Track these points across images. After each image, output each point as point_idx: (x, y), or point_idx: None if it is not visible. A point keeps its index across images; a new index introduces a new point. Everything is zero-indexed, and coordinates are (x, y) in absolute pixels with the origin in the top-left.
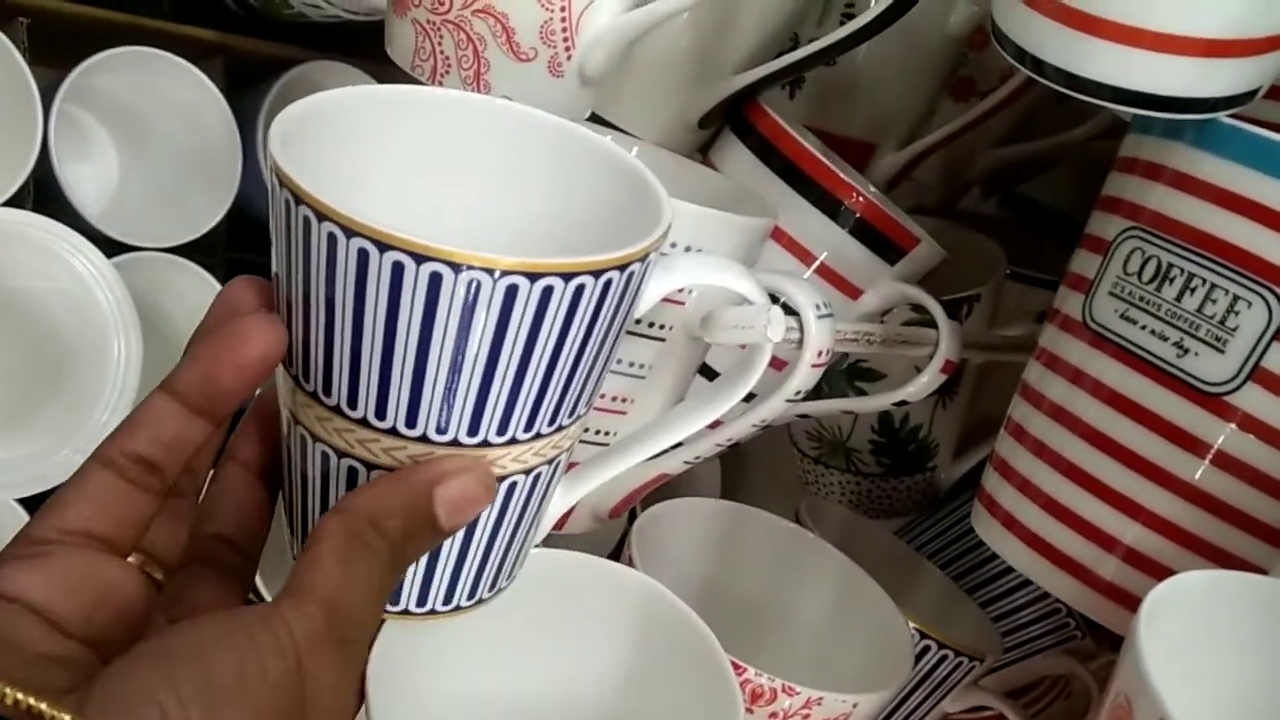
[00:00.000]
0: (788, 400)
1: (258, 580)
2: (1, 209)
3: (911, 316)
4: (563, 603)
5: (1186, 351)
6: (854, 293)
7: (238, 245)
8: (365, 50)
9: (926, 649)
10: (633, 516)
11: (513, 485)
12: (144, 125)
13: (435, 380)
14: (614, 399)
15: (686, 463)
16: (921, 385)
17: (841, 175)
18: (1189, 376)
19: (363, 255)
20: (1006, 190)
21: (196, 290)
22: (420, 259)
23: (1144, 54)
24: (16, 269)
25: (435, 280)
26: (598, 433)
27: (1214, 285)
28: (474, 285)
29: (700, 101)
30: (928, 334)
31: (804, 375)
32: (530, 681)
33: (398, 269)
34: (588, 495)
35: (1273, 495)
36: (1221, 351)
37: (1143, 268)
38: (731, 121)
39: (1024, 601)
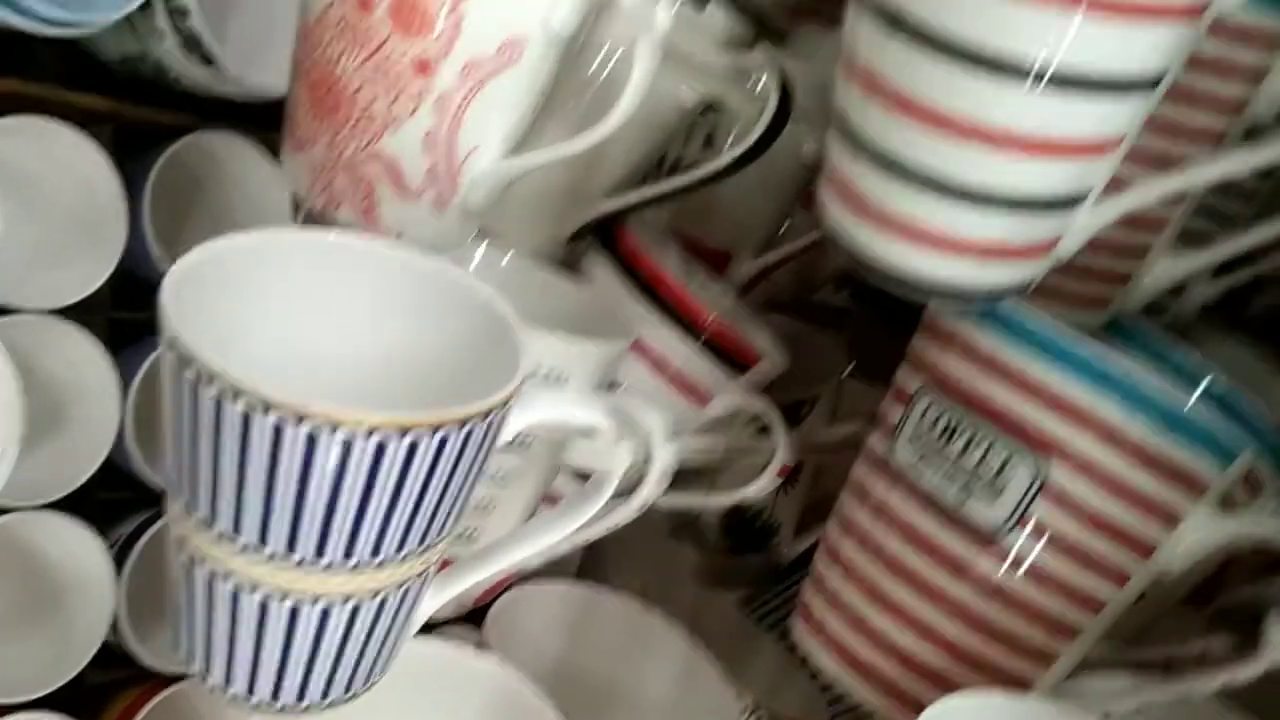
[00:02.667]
0: (639, 511)
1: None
2: None
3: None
4: (418, 689)
5: (968, 498)
6: (703, 400)
7: (120, 305)
8: (256, 120)
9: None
10: None
11: (384, 599)
12: (31, 188)
13: (313, 517)
14: (479, 503)
15: (543, 561)
16: (760, 487)
17: (694, 298)
18: (969, 520)
19: (246, 416)
20: (857, 286)
21: (79, 350)
22: (300, 419)
23: (927, 251)
24: None
25: (312, 438)
26: (464, 532)
27: (990, 445)
28: (347, 442)
29: (572, 222)
30: (765, 444)
31: (650, 491)
32: None
33: (278, 428)
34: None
35: (1039, 624)
36: (995, 501)
37: (935, 422)
38: (601, 238)
39: None
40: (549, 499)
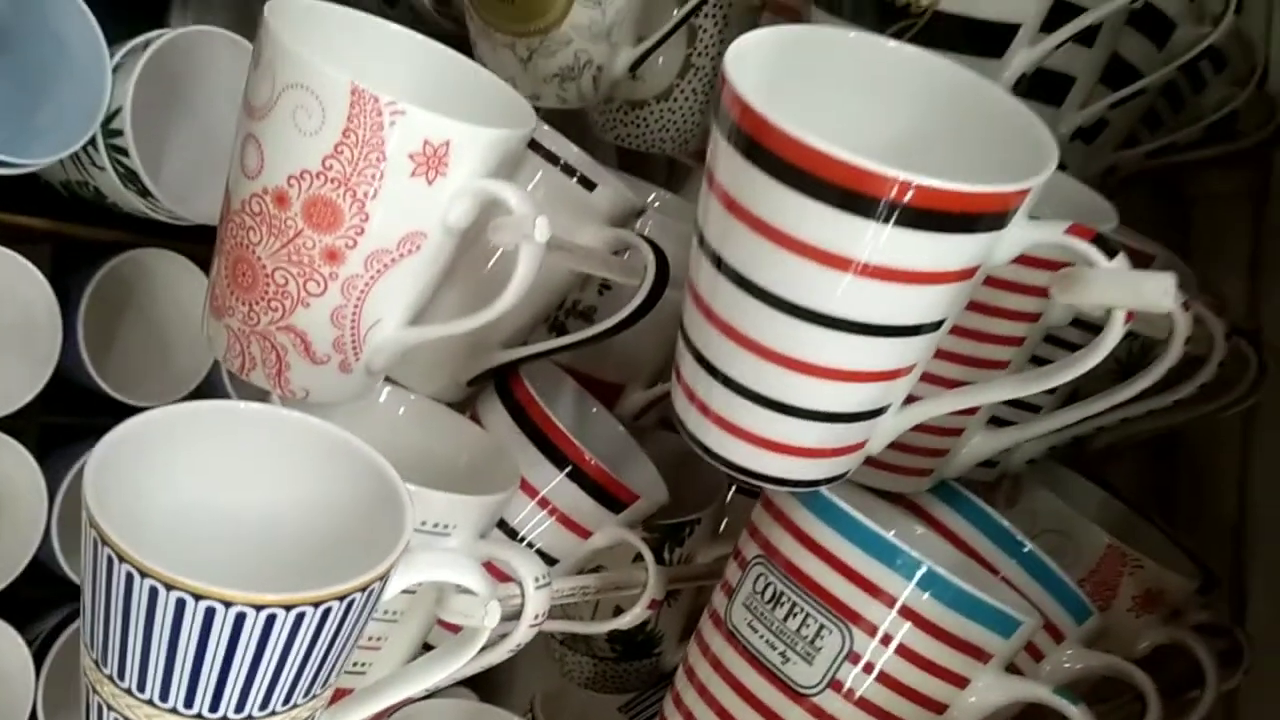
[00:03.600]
0: (513, 651)
1: None
2: None
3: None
4: None
5: (788, 660)
6: (584, 534)
7: (51, 410)
8: (187, 237)
9: None
10: None
11: None
12: None
13: (209, 677)
14: (370, 638)
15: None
16: (633, 617)
17: (576, 445)
18: (788, 679)
19: (153, 590)
20: None
21: (10, 457)
22: (198, 597)
23: (758, 451)
24: None
25: (210, 611)
26: (355, 665)
27: (808, 614)
28: (240, 615)
29: (470, 370)
30: (638, 576)
31: (524, 634)
32: None
33: (180, 603)
34: None
35: None
36: (810, 664)
37: (765, 590)
38: (496, 383)
39: None
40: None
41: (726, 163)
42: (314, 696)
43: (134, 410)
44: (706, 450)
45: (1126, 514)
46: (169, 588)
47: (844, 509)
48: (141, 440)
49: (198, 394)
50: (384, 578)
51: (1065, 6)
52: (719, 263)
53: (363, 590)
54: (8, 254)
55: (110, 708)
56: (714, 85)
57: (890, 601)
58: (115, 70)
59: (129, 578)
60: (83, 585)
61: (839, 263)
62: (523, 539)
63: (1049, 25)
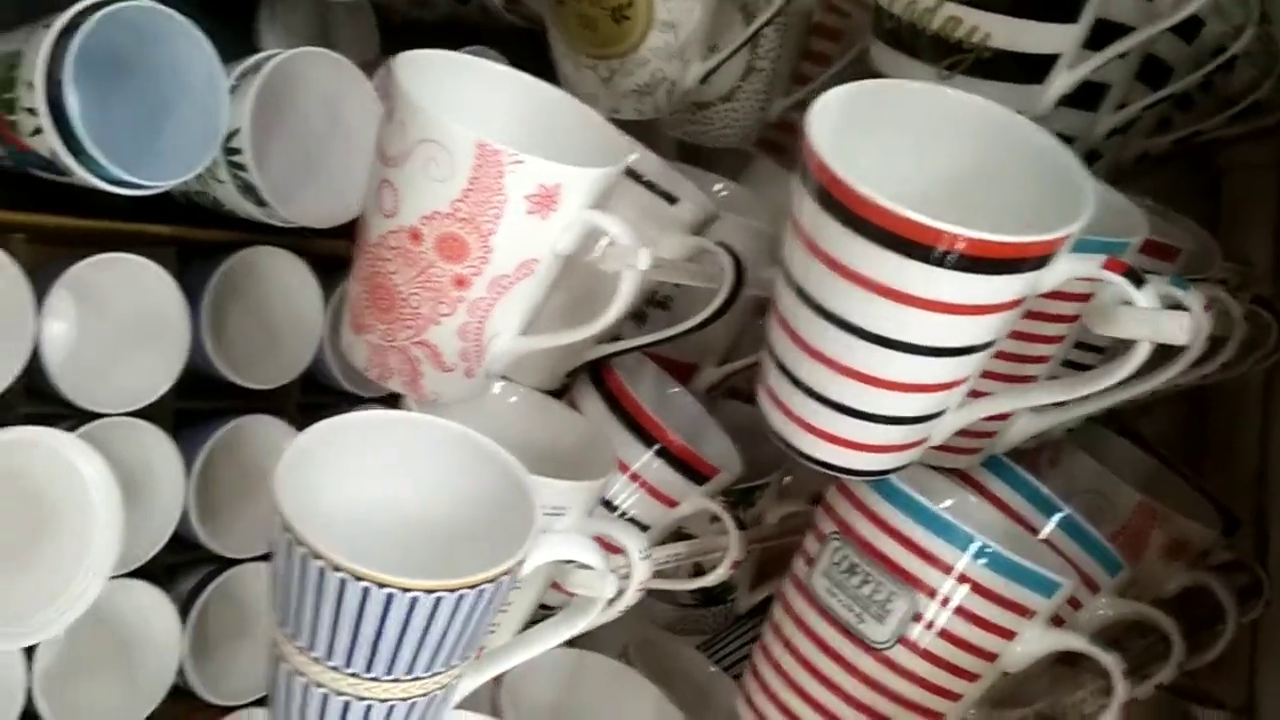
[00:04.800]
0: (619, 613)
1: None
2: (16, 429)
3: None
4: None
5: (863, 620)
6: (671, 504)
7: (180, 397)
8: (291, 234)
9: None
10: None
11: (413, 703)
12: (108, 308)
13: (366, 645)
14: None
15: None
16: (716, 576)
17: (663, 426)
18: (863, 636)
19: (321, 572)
20: None
21: (149, 440)
22: (358, 579)
23: (834, 447)
24: (20, 461)
25: (365, 592)
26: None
27: (880, 582)
28: (389, 596)
29: (568, 364)
30: (720, 541)
31: (630, 598)
32: None
33: (342, 583)
34: None
35: (913, 711)
36: (882, 623)
37: (841, 561)
38: (590, 374)
39: None
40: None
41: (808, 211)
42: (449, 669)
43: (251, 393)
44: (790, 447)
45: (1157, 467)
46: (334, 569)
47: (909, 492)
48: (309, 449)
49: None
50: (514, 569)
51: (1103, 24)
52: (801, 293)
53: (493, 580)
54: (143, 261)
55: (300, 673)
56: (773, 84)
57: (949, 570)
58: (231, 92)
59: (303, 560)
60: (274, 572)
61: (903, 298)
62: (617, 509)
63: (1089, 41)
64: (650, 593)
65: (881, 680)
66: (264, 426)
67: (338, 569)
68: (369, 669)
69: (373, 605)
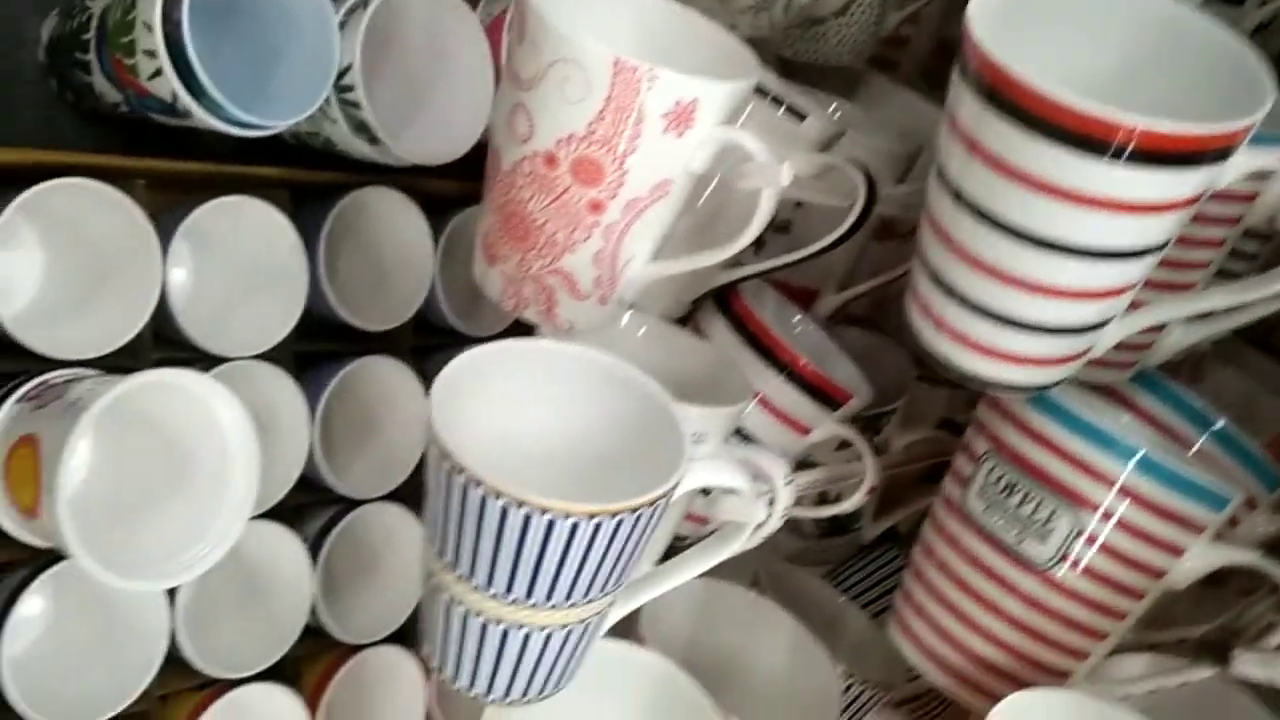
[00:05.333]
0: (762, 538)
1: None
2: (156, 371)
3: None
4: (596, 683)
5: (1023, 540)
6: (803, 431)
7: (302, 339)
8: (398, 173)
9: (850, 687)
10: None
11: (570, 630)
12: (226, 253)
13: (526, 572)
14: None
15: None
16: (852, 503)
17: (794, 350)
18: (1023, 555)
19: (483, 499)
20: None
21: (274, 385)
22: (519, 504)
23: (991, 361)
24: (157, 405)
25: (527, 518)
26: None
27: (1041, 500)
28: (551, 522)
29: (694, 290)
30: (856, 467)
31: (774, 524)
32: None
33: (504, 510)
34: None
35: (1076, 630)
36: (1044, 542)
37: (998, 480)
38: (715, 300)
39: None
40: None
41: (968, 107)
42: (605, 596)
43: (365, 335)
44: (942, 361)
45: None
46: (496, 495)
47: (1069, 406)
48: (459, 377)
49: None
50: (667, 495)
51: None
52: (959, 196)
53: (650, 505)
54: (260, 204)
55: (459, 601)
56: None
57: (1114, 485)
58: (340, 29)
59: (464, 487)
60: (430, 501)
61: (1072, 197)
62: (749, 438)
63: None
64: None
65: (1044, 600)
66: (381, 367)
67: (499, 495)
68: (528, 595)
69: (533, 531)
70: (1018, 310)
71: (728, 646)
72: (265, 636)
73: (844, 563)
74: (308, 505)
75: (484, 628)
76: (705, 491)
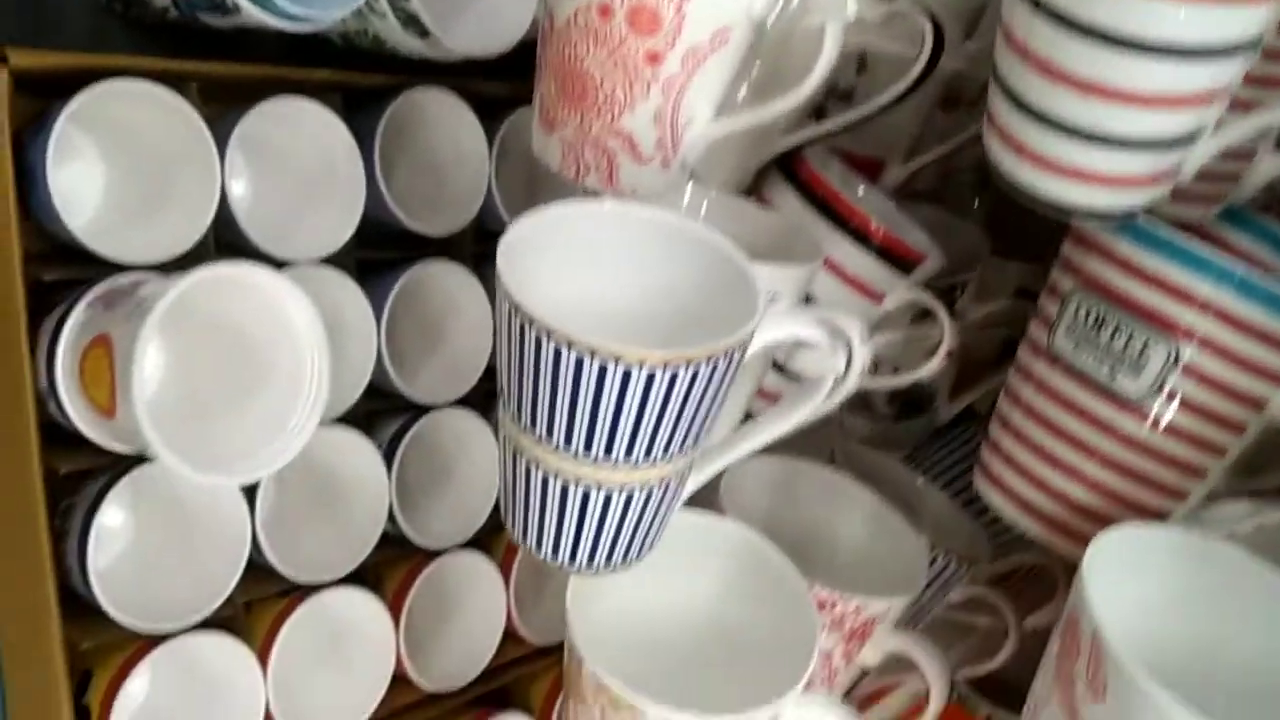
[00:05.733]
0: (840, 399)
1: None
2: (233, 264)
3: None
4: (683, 546)
5: (1115, 375)
6: (877, 298)
7: (362, 246)
8: (451, 73)
9: (935, 559)
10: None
11: (650, 491)
12: (280, 158)
13: (603, 426)
14: None
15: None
16: (931, 367)
17: (864, 213)
18: (1117, 392)
19: (557, 352)
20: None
21: (340, 291)
22: (593, 353)
23: (1074, 184)
24: (228, 304)
25: (602, 368)
26: None
27: (1133, 332)
28: (627, 371)
29: (758, 156)
30: (925, 331)
31: (852, 383)
32: (665, 605)
33: (579, 360)
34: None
35: (1174, 469)
36: (1138, 376)
37: (1086, 316)
38: (781, 168)
39: None
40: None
41: None
42: (685, 454)
43: (425, 241)
44: (1024, 189)
45: None
46: (569, 346)
47: (1158, 231)
48: (527, 237)
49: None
50: (744, 343)
51: None
52: (1037, 4)
53: (725, 354)
54: (314, 106)
55: (538, 463)
56: None
57: (1210, 309)
58: None
59: (537, 340)
60: (503, 362)
61: None
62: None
63: None
64: (847, 408)
65: (1139, 437)
66: (443, 273)
67: (572, 345)
68: (607, 452)
69: (608, 381)
70: (1102, 123)
71: (808, 523)
72: (345, 543)
73: (920, 447)
74: (379, 413)
75: (564, 490)
76: (779, 368)
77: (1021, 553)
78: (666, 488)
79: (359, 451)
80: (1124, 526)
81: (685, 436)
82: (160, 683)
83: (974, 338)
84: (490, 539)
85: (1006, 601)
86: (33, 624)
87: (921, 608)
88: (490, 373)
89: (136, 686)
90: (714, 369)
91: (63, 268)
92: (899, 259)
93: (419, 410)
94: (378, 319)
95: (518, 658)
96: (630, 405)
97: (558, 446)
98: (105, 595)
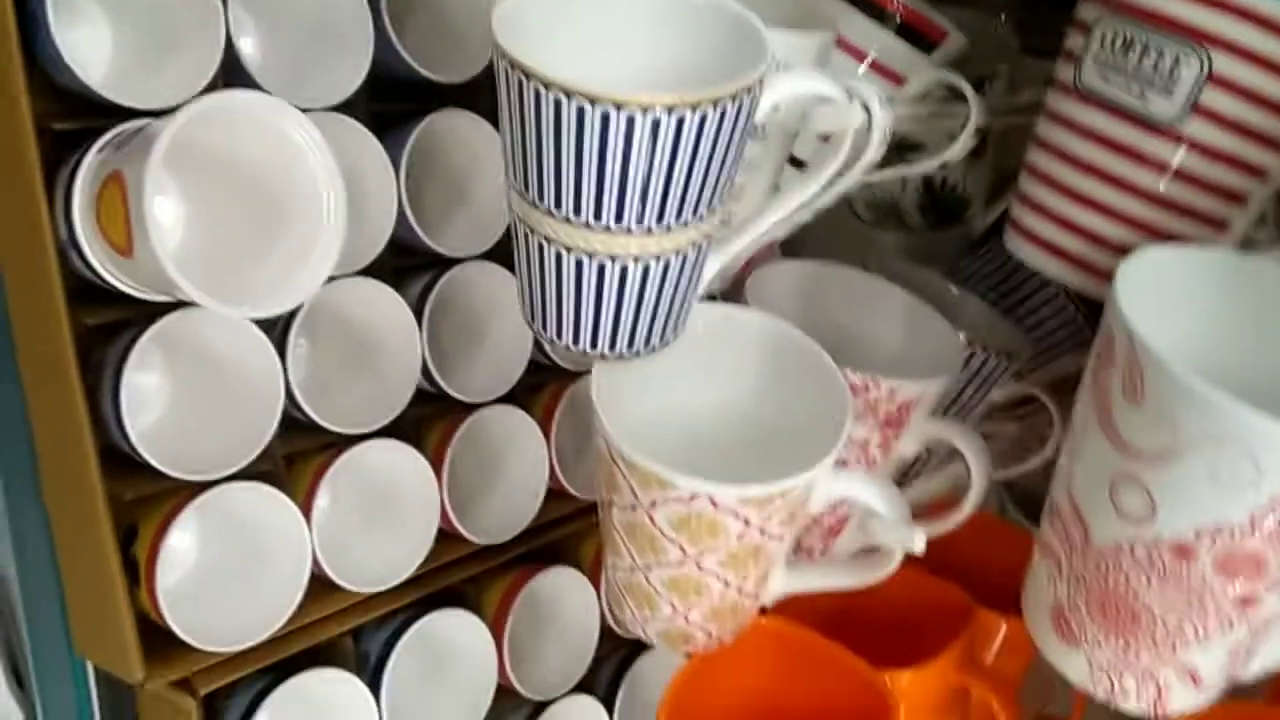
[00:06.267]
0: (864, 171)
1: None
2: (235, 92)
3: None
4: (713, 340)
5: (1146, 98)
6: (899, 81)
7: (377, 99)
8: None
9: (973, 354)
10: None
11: (668, 262)
12: (285, 11)
13: (611, 187)
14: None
15: (789, 229)
16: (959, 148)
17: None
18: (1149, 116)
19: (557, 103)
20: None
21: (356, 142)
22: (593, 101)
23: None
24: (240, 141)
25: (605, 117)
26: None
27: (1162, 49)
28: (630, 119)
29: None
30: (961, 108)
31: (875, 151)
32: (695, 406)
33: (580, 111)
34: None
35: (1213, 194)
36: (1170, 95)
37: (1114, 41)
38: None
39: (1048, 313)
40: None
41: None
42: (700, 219)
43: (441, 91)
44: None
45: None
46: (568, 95)
47: None
48: (526, 9)
49: None
50: (751, 88)
51: None
52: None
53: (733, 98)
54: None
55: (549, 239)
56: None
57: (1250, 16)
58: None
59: (536, 94)
60: (505, 129)
61: None
62: None
63: None
64: (875, 221)
65: (1174, 162)
66: (460, 123)
67: (571, 95)
68: (618, 217)
69: (613, 132)
70: None
71: (838, 326)
72: (380, 396)
73: (957, 259)
74: (405, 270)
75: (578, 265)
76: (796, 163)
77: (1065, 360)
78: (685, 260)
79: (387, 304)
80: (1159, 246)
81: (699, 197)
82: (205, 535)
83: (1007, 143)
84: (528, 397)
85: (1052, 396)
86: (75, 479)
87: (963, 406)
88: None
89: (180, 539)
90: (722, 117)
91: (74, 119)
92: (919, 37)
93: (447, 263)
94: (396, 170)
95: (565, 515)
96: (637, 159)
97: (568, 217)
98: (141, 444)
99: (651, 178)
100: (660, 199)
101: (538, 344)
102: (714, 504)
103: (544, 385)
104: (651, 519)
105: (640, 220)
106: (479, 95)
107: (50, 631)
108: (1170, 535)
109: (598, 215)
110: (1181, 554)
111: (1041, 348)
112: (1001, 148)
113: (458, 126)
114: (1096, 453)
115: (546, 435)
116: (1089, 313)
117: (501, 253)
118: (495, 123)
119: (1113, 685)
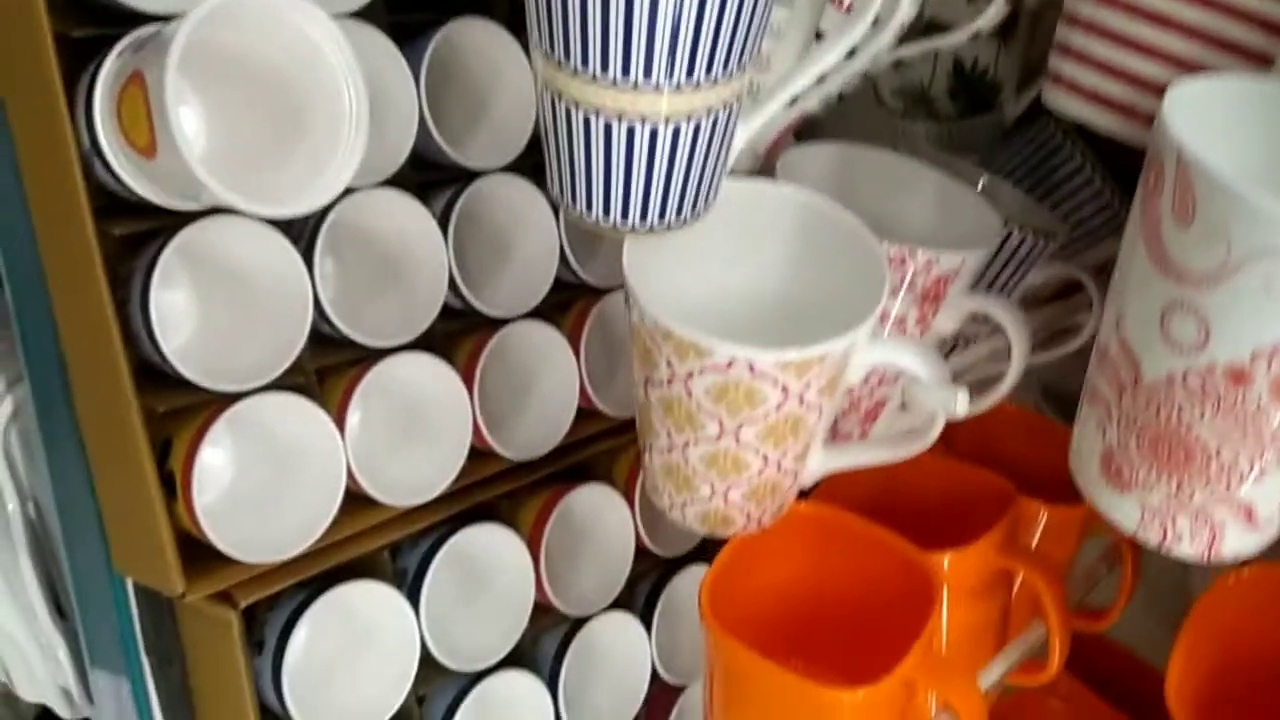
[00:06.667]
0: (894, 35)
1: None
2: None
3: None
4: (745, 215)
5: None
6: None
7: (393, 10)
8: None
9: (1010, 233)
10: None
11: (698, 124)
12: None
13: (638, 39)
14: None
15: (821, 100)
16: (991, 15)
17: None
18: None
19: None
20: None
21: (377, 50)
22: None
23: None
24: (259, 41)
25: None
26: (750, 87)
27: None
28: None
29: None
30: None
31: (906, 13)
32: (732, 274)
33: None
34: (751, 138)
35: (1251, 24)
36: None
37: None
38: None
39: (1084, 199)
40: None
41: None
42: (730, 78)
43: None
44: None
45: None
46: None
47: None
48: None
49: None
50: None
51: None
52: None
53: None
54: None
55: (560, 97)
56: None
57: None
58: None
59: None
60: None
61: None
62: None
63: None
64: (904, 114)
65: None
66: (480, 35)
67: None
68: (646, 74)
69: None
70: None
71: (871, 207)
72: (410, 309)
73: (989, 148)
74: (428, 185)
75: (607, 130)
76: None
77: (1104, 245)
78: (716, 121)
79: (411, 214)
80: (1206, 75)
81: (729, 49)
82: (240, 450)
83: (1039, 26)
84: (556, 315)
85: (1091, 276)
86: (108, 393)
87: (1001, 287)
88: (536, 143)
89: (215, 454)
90: None
91: (92, 26)
92: None
93: (469, 178)
94: (415, 78)
95: (598, 432)
96: (665, 9)
97: (594, 75)
98: (171, 353)
99: (681, 23)
100: (690, 49)
101: (564, 260)
102: (752, 370)
103: (572, 303)
104: (689, 391)
105: (670, 74)
106: (495, 7)
107: (90, 556)
108: (1225, 359)
109: (626, 70)
110: (1236, 379)
111: (1078, 233)
112: (1034, 30)
113: (476, 40)
114: (1146, 286)
115: (575, 352)
116: (1125, 198)
117: (524, 166)
118: (514, 30)
119: (1165, 531)
